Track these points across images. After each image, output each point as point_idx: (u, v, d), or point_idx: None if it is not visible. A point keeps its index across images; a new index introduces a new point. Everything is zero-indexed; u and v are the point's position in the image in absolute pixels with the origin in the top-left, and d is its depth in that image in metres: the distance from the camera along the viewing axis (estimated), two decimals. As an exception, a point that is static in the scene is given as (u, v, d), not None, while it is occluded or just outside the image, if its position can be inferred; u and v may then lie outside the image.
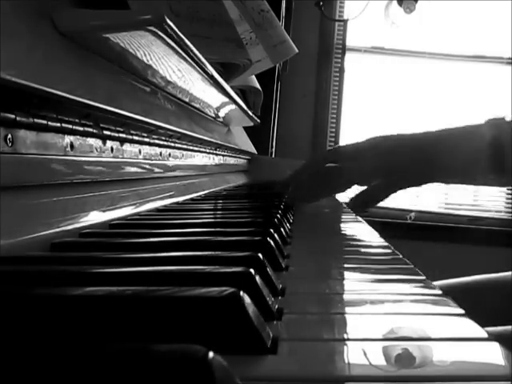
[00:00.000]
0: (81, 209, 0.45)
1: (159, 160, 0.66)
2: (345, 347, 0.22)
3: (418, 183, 0.71)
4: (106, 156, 0.49)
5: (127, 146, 0.55)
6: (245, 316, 0.20)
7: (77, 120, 0.42)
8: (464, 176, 0.71)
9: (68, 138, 0.41)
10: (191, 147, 0.83)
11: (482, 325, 0.23)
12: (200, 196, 0.84)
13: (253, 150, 1.50)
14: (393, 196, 0.74)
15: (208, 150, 0.95)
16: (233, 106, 0.96)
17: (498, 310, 0.71)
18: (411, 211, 2.36)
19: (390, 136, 0.71)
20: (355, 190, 0.76)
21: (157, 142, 0.64)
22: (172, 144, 0.71)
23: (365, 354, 0.20)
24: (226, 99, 0.87)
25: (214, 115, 0.99)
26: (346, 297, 0.30)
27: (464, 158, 0.67)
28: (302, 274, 0.36)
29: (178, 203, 0.71)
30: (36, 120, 0.36)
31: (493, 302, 0.77)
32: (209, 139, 0.89)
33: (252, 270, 0.26)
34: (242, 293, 0.21)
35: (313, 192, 0.77)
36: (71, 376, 0.14)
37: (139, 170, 0.59)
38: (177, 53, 0.53)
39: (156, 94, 0.64)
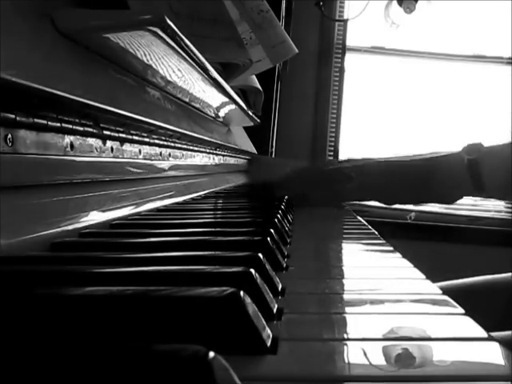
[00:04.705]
0: (81, 209, 0.44)
1: (159, 160, 0.66)
2: (345, 347, 0.21)
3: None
4: (106, 156, 0.49)
5: (127, 146, 0.55)
6: (245, 316, 0.20)
7: (77, 120, 0.42)
8: (450, 197, 0.82)
9: (68, 138, 0.41)
10: (191, 147, 0.83)
11: (482, 325, 0.23)
12: (200, 196, 0.84)
13: (253, 149, 1.50)
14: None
15: (208, 150, 0.95)
16: (233, 106, 0.96)
17: (498, 311, 0.72)
18: (411, 211, 2.36)
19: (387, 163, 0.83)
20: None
21: (157, 141, 0.64)
22: (172, 144, 0.71)
23: (365, 353, 0.20)
24: (226, 99, 0.87)
25: (214, 115, 0.99)
26: (345, 296, 0.30)
27: (449, 184, 0.79)
28: (302, 274, 0.36)
29: (178, 203, 0.71)
30: (36, 120, 0.36)
31: (492, 303, 0.77)
32: (209, 139, 0.89)
33: (252, 270, 0.26)
34: (242, 293, 0.21)
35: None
36: (72, 376, 0.14)
37: (139, 170, 0.59)
38: (177, 53, 0.53)
39: (156, 94, 0.64)
